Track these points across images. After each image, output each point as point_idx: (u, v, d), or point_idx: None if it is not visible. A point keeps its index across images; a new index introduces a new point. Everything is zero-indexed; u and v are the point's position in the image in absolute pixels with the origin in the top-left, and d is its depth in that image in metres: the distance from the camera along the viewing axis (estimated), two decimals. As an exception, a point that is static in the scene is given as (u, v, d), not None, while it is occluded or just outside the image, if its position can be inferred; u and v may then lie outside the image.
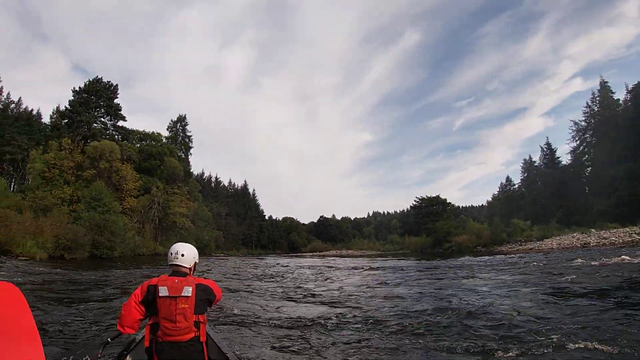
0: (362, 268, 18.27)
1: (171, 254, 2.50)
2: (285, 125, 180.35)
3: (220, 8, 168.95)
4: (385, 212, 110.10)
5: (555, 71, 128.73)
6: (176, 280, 2.34)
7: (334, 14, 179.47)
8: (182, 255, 2.49)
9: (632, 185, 37.73)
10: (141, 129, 50.31)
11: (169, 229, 42.71)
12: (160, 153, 47.32)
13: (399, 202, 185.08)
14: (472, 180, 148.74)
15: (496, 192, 76.27)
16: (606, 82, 48.37)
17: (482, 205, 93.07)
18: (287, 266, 21.90)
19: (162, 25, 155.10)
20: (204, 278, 2.55)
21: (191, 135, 60.80)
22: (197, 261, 2.62)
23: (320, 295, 8.72)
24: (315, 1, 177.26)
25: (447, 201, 66.84)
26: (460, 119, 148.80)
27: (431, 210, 65.85)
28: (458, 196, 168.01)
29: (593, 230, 29.33)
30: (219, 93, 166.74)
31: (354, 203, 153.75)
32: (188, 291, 2.31)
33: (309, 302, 7.68)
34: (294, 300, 8.00)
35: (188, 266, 2.50)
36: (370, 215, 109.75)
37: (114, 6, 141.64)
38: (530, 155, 63.55)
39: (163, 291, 2.30)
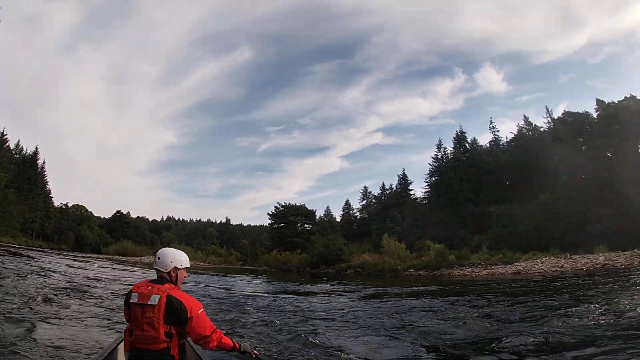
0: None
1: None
2: (93, 103, 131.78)
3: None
4: (180, 219, 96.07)
5: (363, 122, 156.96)
6: (149, 287, 2.21)
7: (178, 4, 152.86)
8: (158, 258, 2.36)
9: (511, 224, 41.47)
10: None
11: None
12: None
13: (196, 210, 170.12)
14: (265, 203, 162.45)
15: (322, 215, 71.50)
16: (464, 132, 54.28)
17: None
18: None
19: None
20: (184, 292, 2.30)
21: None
22: (179, 266, 2.36)
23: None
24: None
25: (314, 212, 56.54)
26: (268, 143, 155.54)
27: (294, 220, 53.09)
28: (249, 215, 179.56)
29: (576, 253, 27.15)
30: (31, 45, 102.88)
31: (149, 204, 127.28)
32: (155, 300, 2.13)
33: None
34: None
35: (164, 270, 2.33)
36: (165, 219, 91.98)
37: None
38: (383, 182, 60.80)
39: (134, 297, 2.19)
